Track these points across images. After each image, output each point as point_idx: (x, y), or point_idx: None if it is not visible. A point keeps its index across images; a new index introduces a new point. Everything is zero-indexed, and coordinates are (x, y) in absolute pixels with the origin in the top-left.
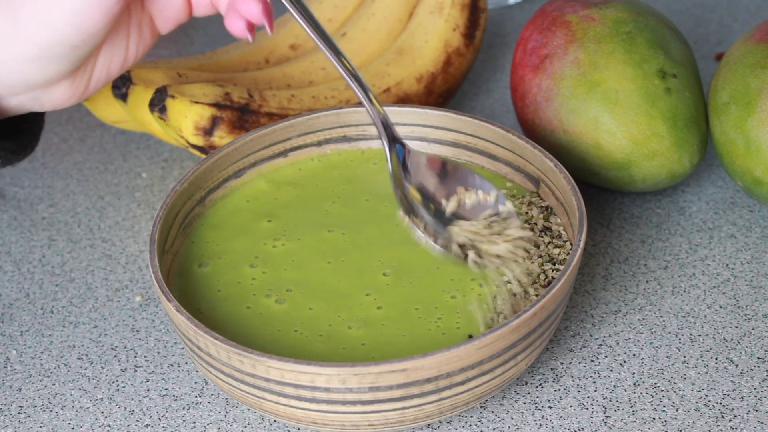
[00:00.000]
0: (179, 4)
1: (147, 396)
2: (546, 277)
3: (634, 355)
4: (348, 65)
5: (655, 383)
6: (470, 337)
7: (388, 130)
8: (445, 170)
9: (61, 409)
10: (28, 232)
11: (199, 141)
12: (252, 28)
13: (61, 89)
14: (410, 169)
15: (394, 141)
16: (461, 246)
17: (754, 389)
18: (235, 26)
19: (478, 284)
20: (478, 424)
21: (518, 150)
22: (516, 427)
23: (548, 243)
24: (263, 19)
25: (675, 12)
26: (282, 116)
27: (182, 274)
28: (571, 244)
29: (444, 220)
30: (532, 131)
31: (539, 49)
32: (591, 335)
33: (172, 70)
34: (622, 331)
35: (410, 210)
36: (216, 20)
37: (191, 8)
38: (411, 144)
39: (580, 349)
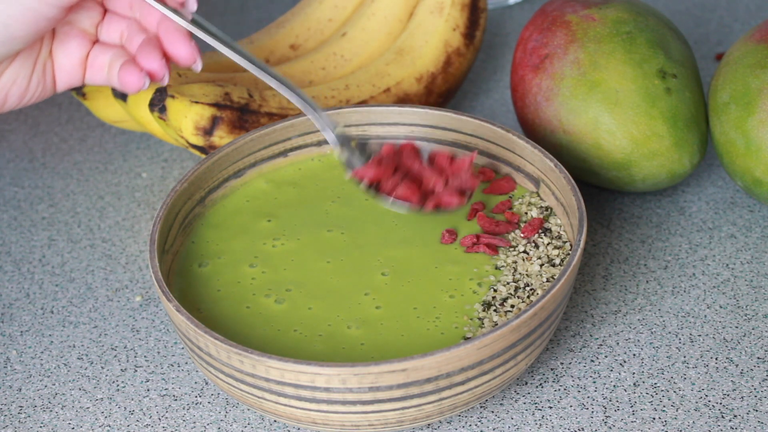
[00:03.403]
0: (77, 63)
1: (147, 396)
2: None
3: (634, 355)
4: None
5: (655, 383)
6: (467, 337)
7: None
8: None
9: (61, 409)
10: (28, 232)
11: (199, 141)
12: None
13: None
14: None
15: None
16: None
17: (754, 389)
18: (131, 78)
19: (476, 284)
20: (478, 424)
21: (518, 150)
22: (516, 427)
23: (548, 244)
24: (165, 73)
25: (675, 12)
26: (282, 116)
27: (182, 274)
28: (570, 245)
29: None
30: (532, 131)
31: (539, 49)
32: (591, 335)
33: (172, 70)
34: (622, 331)
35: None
36: (215, 21)
37: (85, 72)
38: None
39: (580, 349)
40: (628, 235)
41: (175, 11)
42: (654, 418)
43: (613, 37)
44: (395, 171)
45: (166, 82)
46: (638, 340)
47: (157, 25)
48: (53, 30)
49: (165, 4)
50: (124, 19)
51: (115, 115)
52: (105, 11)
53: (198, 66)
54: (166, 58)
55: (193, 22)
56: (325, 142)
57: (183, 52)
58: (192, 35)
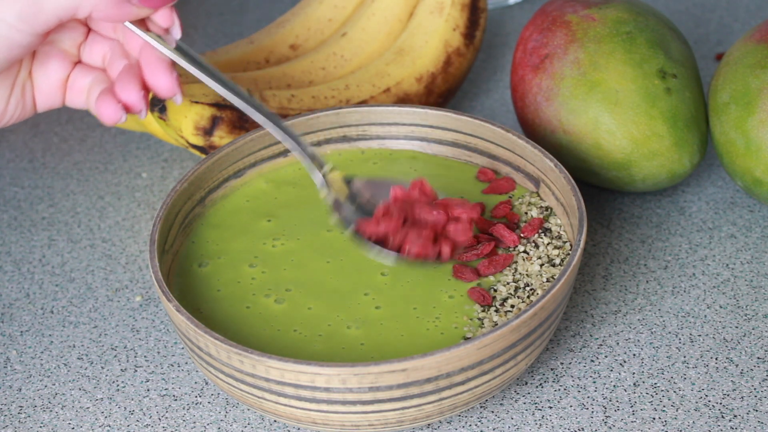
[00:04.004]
0: (56, 85)
1: (147, 396)
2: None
3: (634, 355)
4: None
5: (655, 383)
6: (467, 337)
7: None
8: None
9: (61, 409)
10: (28, 232)
11: (199, 141)
12: (127, 111)
13: None
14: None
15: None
16: None
17: (754, 389)
18: (107, 111)
19: (476, 284)
20: (478, 424)
21: (518, 150)
22: (516, 427)
23: (548, 244)
24: (143, 106)
25: (675, 12)
26: (282, 116)
27: (182, 274)
28: (570, 245)
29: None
30: (532, 131)
31: (539, 49)
32: (591, 335)
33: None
34: (622, 331)
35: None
36: (215, 21)
37: (65, 94)
38: (411, 144)
39: (580, 349)
40: (628, 235)
41: (158, 37)
42: (654, 418)
43: (613, 37)
44: (404, 223)
45: (144, 116)
46: (638, 340)
47: (139, 52)
48: (34, 50)
49: (148, 30)
50: (108, 41)
51: None
52: (89, 31)
53: (178, 99)
54: (146, 88)
55: (178, 49)
56: (325, 142)
57: (163, 83)
58: (174, 65)
